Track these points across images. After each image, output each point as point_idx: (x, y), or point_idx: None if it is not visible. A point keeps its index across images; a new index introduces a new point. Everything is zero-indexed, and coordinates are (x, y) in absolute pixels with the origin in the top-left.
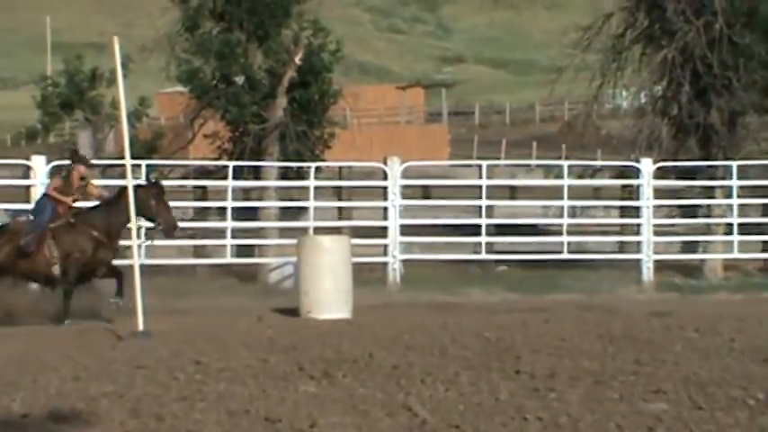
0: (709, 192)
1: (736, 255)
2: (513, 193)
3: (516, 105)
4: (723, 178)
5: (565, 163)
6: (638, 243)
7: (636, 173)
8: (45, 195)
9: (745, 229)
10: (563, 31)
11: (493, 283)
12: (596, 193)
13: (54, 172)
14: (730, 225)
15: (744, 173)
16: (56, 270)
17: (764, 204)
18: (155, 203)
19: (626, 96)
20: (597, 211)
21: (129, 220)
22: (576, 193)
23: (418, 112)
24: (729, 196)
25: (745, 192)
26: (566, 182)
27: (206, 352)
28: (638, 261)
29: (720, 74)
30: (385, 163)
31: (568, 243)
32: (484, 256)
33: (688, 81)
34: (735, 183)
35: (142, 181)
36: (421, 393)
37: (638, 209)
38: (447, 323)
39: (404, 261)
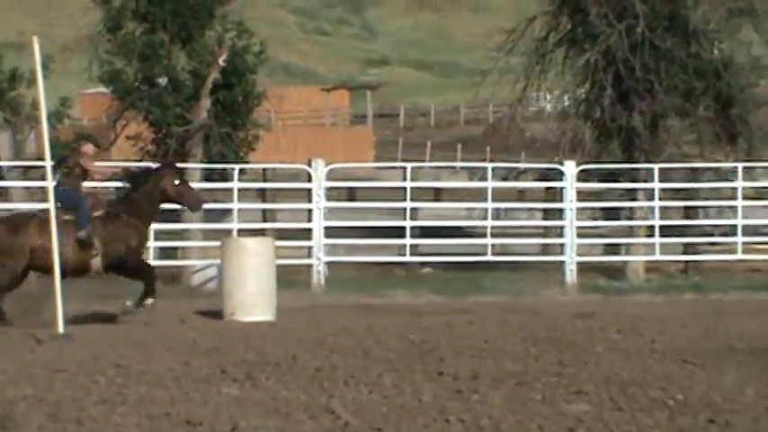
0: (631, 194)
1: (657, 257)
2: (437, 195)
3: (441, 108)
4: (645, 181)
5: (489, 165)
6: (562, 245)
7: (559, 175)
8: (60, 184)
9: (666, 231)
10: (487, 34)
11: (417, 285)
12: (520, 195)
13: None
14: (652, 227)
15: (665, 176)
16: (96, 263)
17: (685, 207)
18: (178, 185)
19: (549, 99)
20: (521, 213)
21: (159, 211)
22: (500, 195)
23: (343, 114)
24: (651, 199)
25: (666, 194)
26: (490, 184)
27: (127, 355)
28: (562, 263)
29: (642, 77)
30: (309, 165)
31: (492, 245)
32: (408, 258)
33: (610, 84)
34: (656, 185)
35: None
36: (344, 396)
37: (561, 211)
38: (371, 325)
39: (328, 263)
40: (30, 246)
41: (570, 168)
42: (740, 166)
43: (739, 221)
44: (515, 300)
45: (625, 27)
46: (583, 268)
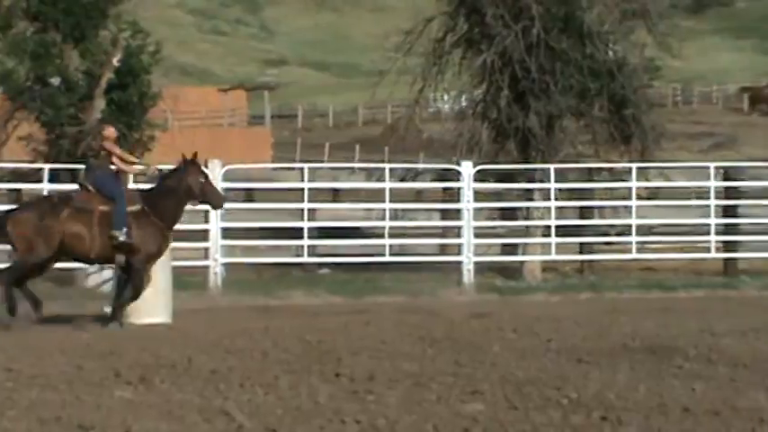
0: (527, 194)
1: (554, 257)
2: (335, 195)
3: (339, 108)
4: (541, 181)
5: (387, 166)
6: (459, 245)
7: (456, 176)
8: (92, 168)
9: (562, 231)
10: (385, 35)
11: (315, 286)
12: (418, 195)
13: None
14: (548, 227)
15: (561, 176)
16: (120, 259)
17: (581, 207)
18: (204, 182)
19: (447, 100)
20: (419, 213)
21: (183, 212)
22: (398, 195)
23: (241, 115)
24: (547, 199)
25: (562, 194)
26: (387, 185)
27: (18, 358)
28: (459, 263)
29: (538, 78)
30: (206, 165)
31: (390, 246)
32: (306, 259)
33: (507, 85)
34: (552, 185)
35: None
36: (239, 398)
37: (458, 211)
38: (268, 327)
39: (225, 264)
40: (60, 231)
41: (467, 169)
42: (634, 166)
43: (633, 221)
44: (413, 300)
45: (521, 28)
46: (480, 268)
